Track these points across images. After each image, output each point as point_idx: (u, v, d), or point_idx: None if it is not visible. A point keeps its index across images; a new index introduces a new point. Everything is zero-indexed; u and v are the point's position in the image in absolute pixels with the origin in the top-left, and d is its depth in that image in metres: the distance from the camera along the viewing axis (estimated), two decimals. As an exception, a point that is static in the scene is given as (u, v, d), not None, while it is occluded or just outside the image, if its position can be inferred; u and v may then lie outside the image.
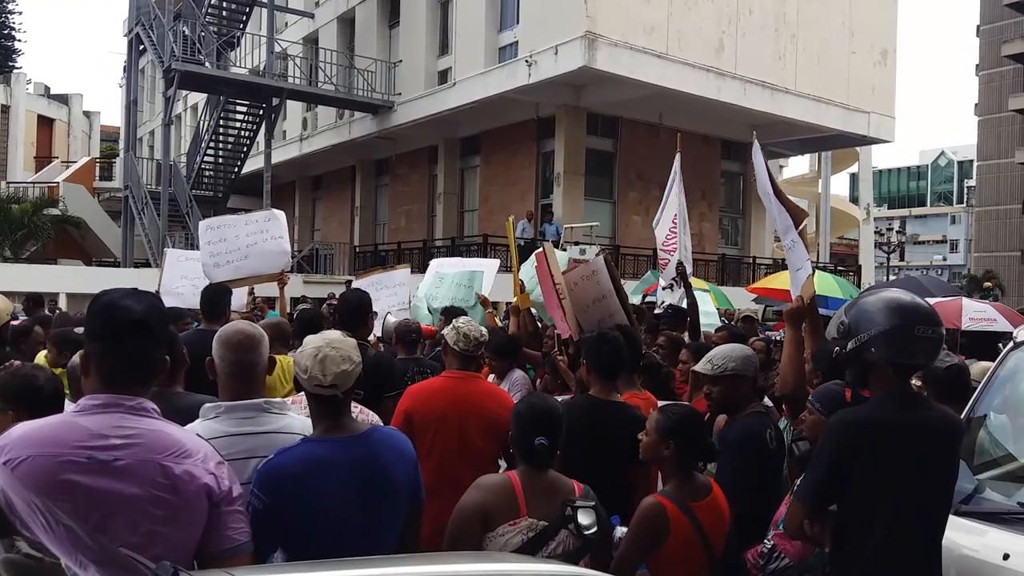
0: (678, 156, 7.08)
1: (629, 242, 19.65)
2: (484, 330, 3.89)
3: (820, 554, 2.73)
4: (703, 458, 2.95)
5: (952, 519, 2.56)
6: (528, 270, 6.22)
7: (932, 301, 6.13)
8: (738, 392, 3.38)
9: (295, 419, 2.60)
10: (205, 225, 7.01)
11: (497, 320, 6.78)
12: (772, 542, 2.92)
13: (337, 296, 14.48)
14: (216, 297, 5.20)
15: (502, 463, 3.68)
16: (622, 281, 5.07)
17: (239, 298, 6.60)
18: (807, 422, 3.18)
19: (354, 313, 4.62)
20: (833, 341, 2.56)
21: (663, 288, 6.92)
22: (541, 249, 5.31)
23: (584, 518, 2.51)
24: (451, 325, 3.80)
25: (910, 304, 2.44)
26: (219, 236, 6.83)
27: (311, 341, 2.43)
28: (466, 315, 4.58)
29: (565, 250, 11.77)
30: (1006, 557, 2.66)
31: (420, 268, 12.24)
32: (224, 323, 5.24)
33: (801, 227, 3.69)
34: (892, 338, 2.37)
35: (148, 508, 1.82)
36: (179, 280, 7.84)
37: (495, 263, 8.37)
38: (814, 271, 3.76)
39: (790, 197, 4.09)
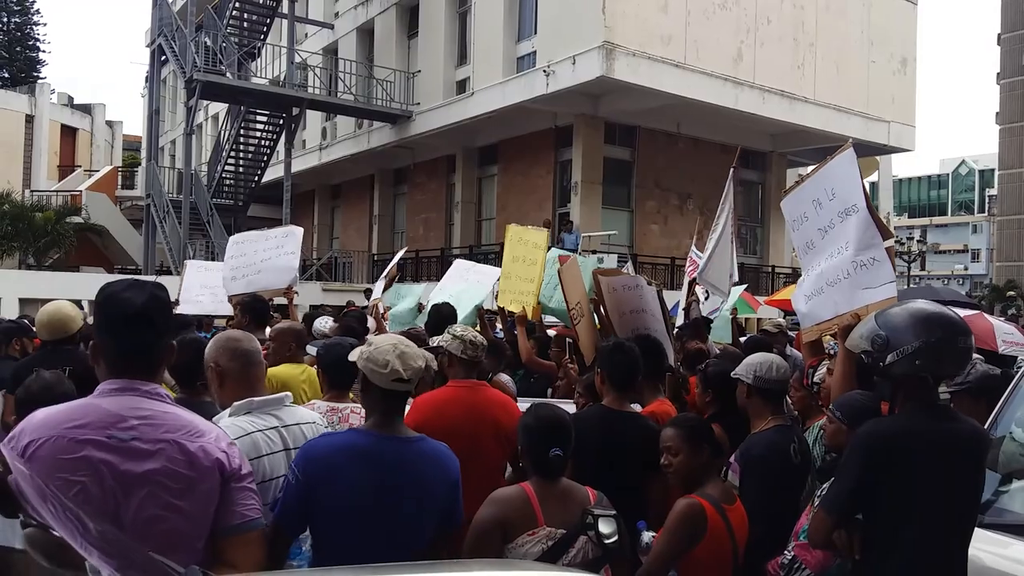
0: (732, 172, 6.31)
1: (647, 251, 19.62)
2: (482, 337, 3.84)
3: (841, 565, 2.72)
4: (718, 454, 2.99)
5: (976, 531, 2.55)
6: (549, 275, 6.20)
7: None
8: (736, 398, 3.45)
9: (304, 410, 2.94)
10: (232, 240, 7.32)
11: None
12: (793, 553, 2.91)
13: (355, 304, 14.58)
14: (261, 307, 5.65)
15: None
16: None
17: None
18: (827, 431, 3.17)
19: (445, 323, 4.93)
20: (865, 354, 2.54)
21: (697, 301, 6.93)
22: (570, 261, 5.35)
23: (605, 527, 2.52)
24: (450, 335, 3.70)
25: (948, 316, 2.46)
26: (241, 251, 7.07)
27: (385, 339, 2.55)
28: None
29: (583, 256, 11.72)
30: (1031, 570, 2.64)
31: (437, 276, 12.23)
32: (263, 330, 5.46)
33: (887, 245, 3.57)
34: (938, 350, 2.38)
35: (166, 482, 1.89)
36: (198, 289, 8.00)
37: (497, 270, 8.30)
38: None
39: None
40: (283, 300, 6.84)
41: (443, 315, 5.25)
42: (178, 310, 7.84)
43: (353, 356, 2.56)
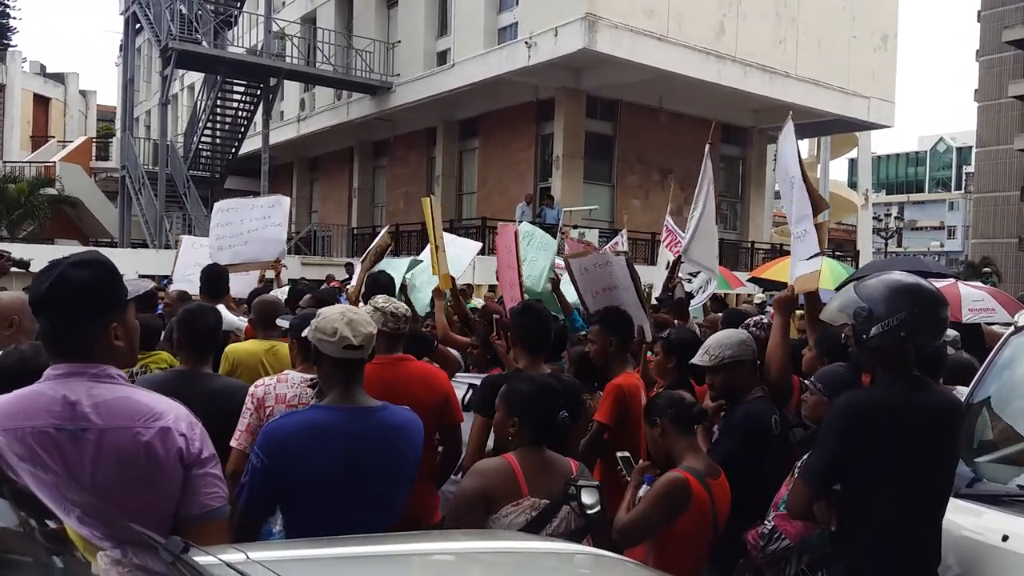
0: (708, 148, 6.21)
1: (628, 226, 19.58)
2: (404, 305, 3.56)
3: (821, 534, 2.76)
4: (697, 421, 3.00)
5: (951, 501, 2.58)
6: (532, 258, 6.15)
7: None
8: (739, 378, 3.35)
9: None
10: (218, 207, 7.21)
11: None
12: (772, 523, 2.94)
13: (335, 279, 14.50)
14: (222, 276, 5.34)
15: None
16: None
17: (251, 283, 6.64)
18: (808, 403, 3.20)
19: (382, 292, 4.63)
20: (847, 326, 2.55)
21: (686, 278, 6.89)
22: (512, 227, 5.32)
23: (587, 497, 2.54)
24: (372, 306, 3.37)
25: (928, 287, 2.48)
26: (227, 219, 6.97)
27: (332, 309, 2.53)
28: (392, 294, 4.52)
29: (564, 234, 11.64)
30: (1005, 538, 2.68)
31: (418, 251, 12.16)
32: (222, 302, 5.32)
33: (818, 218, 3.69)
34: (922, 321, 2.40)
35: (119, 475, 1.79)
36: (192, 267, 7.86)
37: (477, 245, 8.20)
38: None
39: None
40: (271, 273, 6.79)
41: (380, 285, 4.82)
42: (172, 288, 7.75)
43: (306, 332, 2.53)
